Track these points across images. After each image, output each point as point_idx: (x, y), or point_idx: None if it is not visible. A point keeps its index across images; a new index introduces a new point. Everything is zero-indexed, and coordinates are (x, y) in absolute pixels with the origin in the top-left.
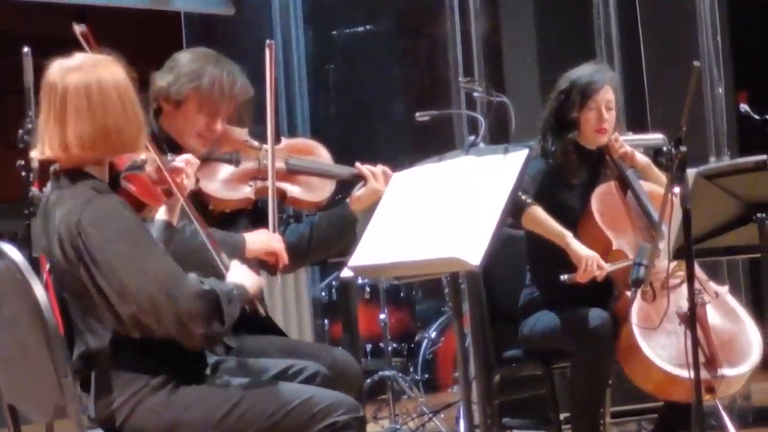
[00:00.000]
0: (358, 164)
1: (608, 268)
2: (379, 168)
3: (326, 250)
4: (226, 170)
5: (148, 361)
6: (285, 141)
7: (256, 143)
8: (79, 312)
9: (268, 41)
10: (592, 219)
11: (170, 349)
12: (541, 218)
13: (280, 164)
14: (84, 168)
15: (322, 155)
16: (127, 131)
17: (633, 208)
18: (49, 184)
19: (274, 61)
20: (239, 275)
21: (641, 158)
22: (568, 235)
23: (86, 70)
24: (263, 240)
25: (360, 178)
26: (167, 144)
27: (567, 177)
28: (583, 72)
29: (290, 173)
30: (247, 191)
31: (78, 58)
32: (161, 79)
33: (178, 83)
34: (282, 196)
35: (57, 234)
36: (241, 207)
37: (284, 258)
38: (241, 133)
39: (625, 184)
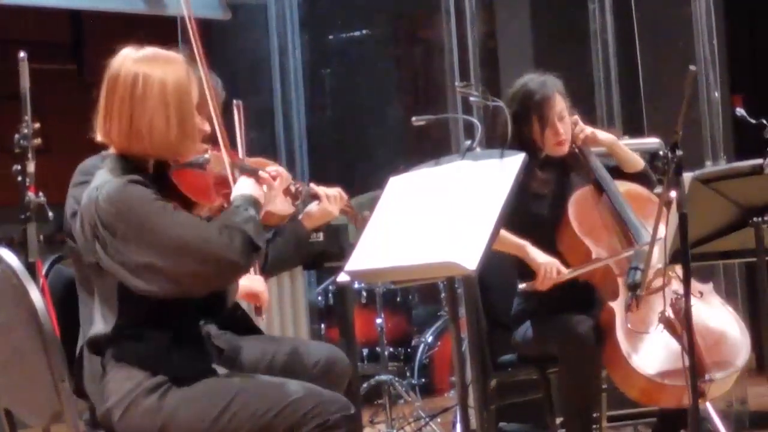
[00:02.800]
0: (312, 184)
1: (567, 273)
2: (335, 190)
3: (282, 266)
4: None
5: (148, 357)
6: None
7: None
8: (89, 298)
9: (235, 102)
10: (569, 228)
11: (171, 346)
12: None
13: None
14: (127, 154)
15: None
16: (167, 136)
17: (609, 211)
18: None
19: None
20: (244, 187)
21: (604, 136)
22: (526, 245)
23: (142, 64)
24: (244, 284)
25: (314, 197)
26: None
27: (533, 189)
28: (530, 87)
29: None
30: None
31: (143, 50)
32: None
33: None
34: None
35: (80, 212)
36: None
37: (266, 299)
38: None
39: (600, 188)
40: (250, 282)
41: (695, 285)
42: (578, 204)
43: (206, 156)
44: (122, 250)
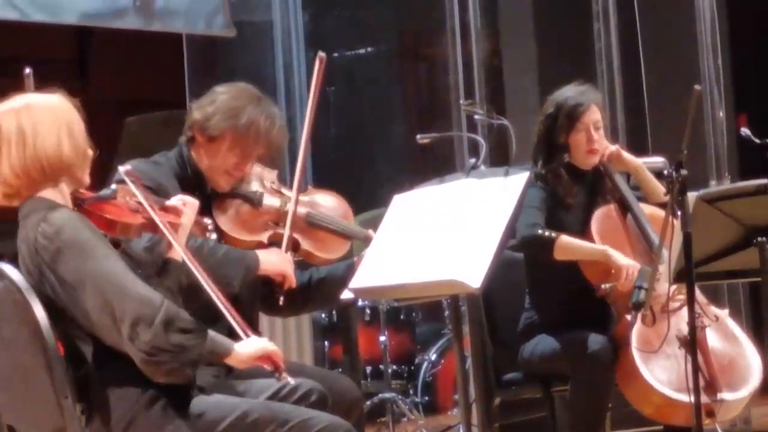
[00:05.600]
0: (371, 231)
1: None
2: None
3: (322, 303)
4: (245, 209)
5: (135, 374)
6: (312, 191)
7: (282, 188)
8: (60, 332)
9: (320, 53)
10: (591, 242)
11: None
12: (573, 245)
13: (301, 211)
14: (37, 194)
15: (346, 212)
16: (57, 157)
17: (633, 231)
18: None
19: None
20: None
21: (630, 159)
22: (607, 249)
23: (21, 111)
24: (276, 261)
25: (370, 241)
26: (193, 174)
27: (563, 198)
28: (568, 94)
29: (309, 226)
30: (261, 236)
31: (19, 99)
32: (198, 110)
33: (215, 118)
34: (295, 246)
35: (21, 258)
36: (251, 248)
37: (292, 280)
38: (270, 176)
39: (625, 207)
40: (282, 260)
41: (712, 309)
42: (602, 220)
43: (113, 187)
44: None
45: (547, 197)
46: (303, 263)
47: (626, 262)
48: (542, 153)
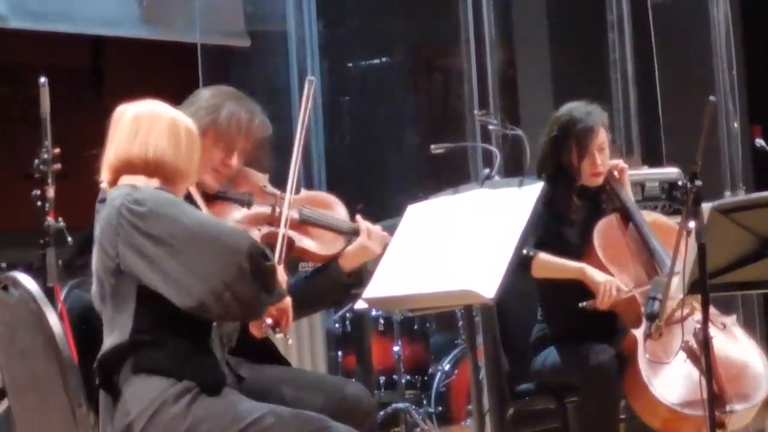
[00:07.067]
0: (358, 217)
1: (627, 291)
2: (378, 228)
3: (314, 304)
4: (237, 211)
5: (170, 363)
6: (304, 192)
7: (274, 190)
8: (113, 312)
9: (309, 77)
10: (594, 255)
11: (190, 353)
12: (550, 263)
13: (293, 213)
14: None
15: (339, 211)
16: (164, 158)
17: (635, 240)
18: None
19: (312, 96)
20: None
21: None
22: (583, 267)
23: (144, 106)
24: None
25: (357, 233)
26: None
27: (567, 214)
28: (576, 115)
29: (302, 223)
30: (254, 234)
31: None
32: (183, 112)
33: (196, 116)
34: (290, 245)
35: (99, 221)
36: None
37: (290, 318)
38: (260, 178)
39: (626, 216)
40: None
41: (719, 317)
42: (604, 231)
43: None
44: (147, 249)
45: (547, 214)
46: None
47: (603, 278)
48: (547, 171)
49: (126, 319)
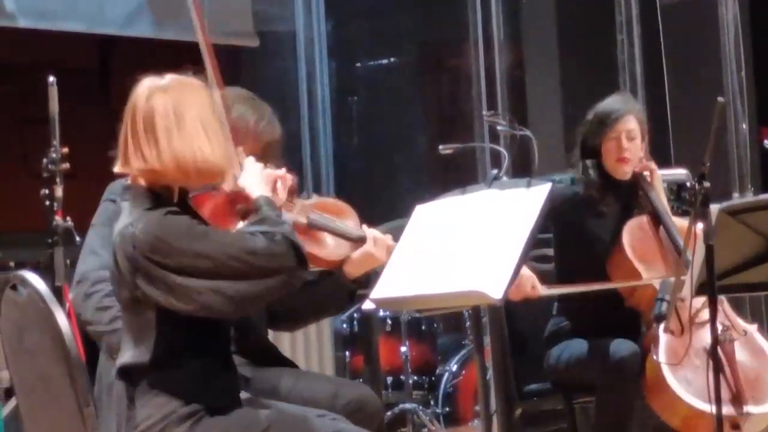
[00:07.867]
0: (365, 226)
1: (543, 290)
2: (387, 237)
3: (317, 310)
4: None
5: (184, 386)
6: (315, 198)
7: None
8: (132, 325)
9: None
10: (623, 252)
11: (207, 374)
12: None
13: (301, 218)
14: (154, 185)
15: (348, 219)
16: (210, 161)
17: (665, 243)
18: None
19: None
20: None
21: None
22: None
23: (172, 92)
24: None
25: (364, 240)
26: None
27: (594, 204)
28: (606, 102)
29: (309, 228)
30: None
31: (167, 78)
32: None
33: None
34: None
35: (113, 250)
36: None
37: None
38: None
39: (657, 219)
40: None
41: (741, 324)
42: (633, 231)
43: None
44: (168, 279)
45: (575, 201)
46: None
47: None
48: (580, 157)
49: (145, 341)
